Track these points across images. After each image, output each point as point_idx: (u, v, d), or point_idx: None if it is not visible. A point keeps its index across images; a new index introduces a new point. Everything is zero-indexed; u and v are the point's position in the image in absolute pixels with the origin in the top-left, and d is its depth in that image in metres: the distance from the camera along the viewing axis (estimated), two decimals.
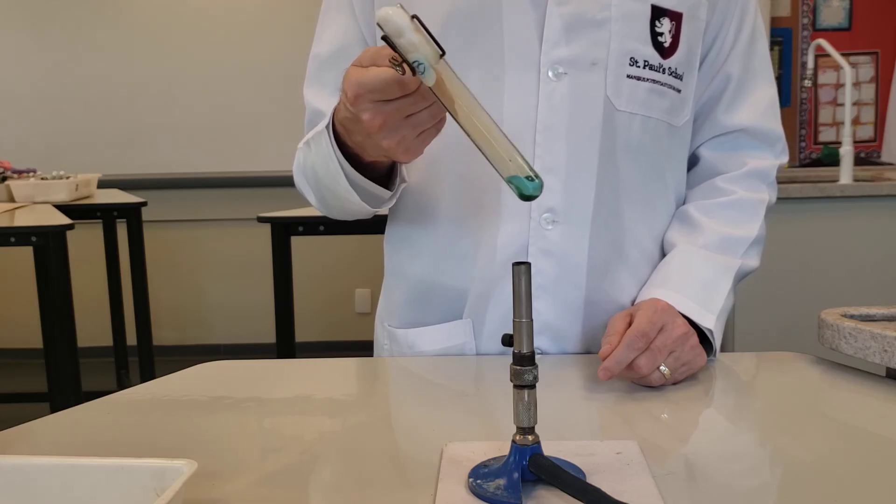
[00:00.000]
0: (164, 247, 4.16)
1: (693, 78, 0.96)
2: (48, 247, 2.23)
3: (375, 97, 0.71)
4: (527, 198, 0.65)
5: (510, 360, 0.59)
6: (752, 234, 0.98)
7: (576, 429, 0.75)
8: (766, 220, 1.01)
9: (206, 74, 4.11)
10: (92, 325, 3.43)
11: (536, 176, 0.65)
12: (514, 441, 0.60)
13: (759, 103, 1.00)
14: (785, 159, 1.04)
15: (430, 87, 0.66)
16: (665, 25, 0.91)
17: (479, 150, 0.65)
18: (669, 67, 0.93)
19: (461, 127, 0.66)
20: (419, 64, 0.64)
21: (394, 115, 0.72)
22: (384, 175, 0.91)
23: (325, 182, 0.91)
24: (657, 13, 0.91)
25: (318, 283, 4.08)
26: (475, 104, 0.65)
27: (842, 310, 0.89)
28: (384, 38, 0.65)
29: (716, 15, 0.96)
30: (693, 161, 1.03)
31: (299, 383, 0.90)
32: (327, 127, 0.86)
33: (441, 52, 0.65)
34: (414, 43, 0.64)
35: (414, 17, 0.64)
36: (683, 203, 1.02)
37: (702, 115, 1.01)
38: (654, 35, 0.91)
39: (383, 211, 1.00)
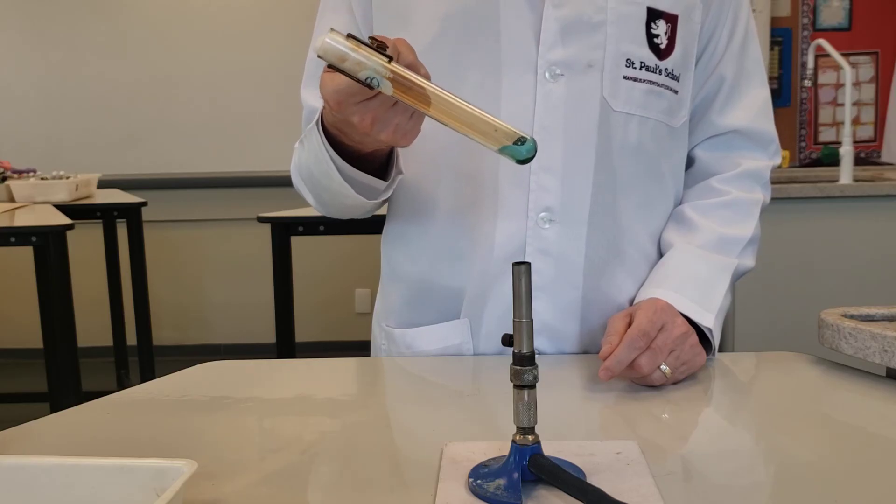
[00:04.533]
0: (164, 247, 4.16)
1: (689, 79, 0.97)
2: (48, 247, 2.23)
3: (356, 99, 0.71)
4: (524, 161, 0.65)
5: (509, 359, 0.59)
6: (748, 233, 0.99)
7: (576, 429, 0.75)
8: (765, 219, 1.02)
9: (205, 74, 4.11)
10: (92, 325, 3.43)
11: (526, 137, 0.65)
12: (514, 441, 0.60)
13: (752, 104, 1.01)
14: (778, 160, 1.05)
15: (393, 94, 0.66)
16: (661, 27, 0.92)
17: (462, 134, 0.66)
18: (666, 69, 0.93)
19: (436, 120, 0.66)
20: (372, 79, 0.65)
21: (381, 110, 0.72)
22: (381, 166, 0.91)
23: (318, 178, 0.91)
24: (653, 15, 0.91)
25: (318, 282, 4.08)
26: (441, 93, 0.65)
27: (842, 310, 0.89)
28: (330, 66, 0.65)
29: (709, 17, 0.97)
30: (688, 162, 1.04)
31: (299, 383, 0.90)
32: (316, 123, 0.86)
33: (388, 59, 0.65)
34: (359, 62, 0.65)
35: (349, 35, 0.65)
36: (680, 203, 1.03)
37: (696, 116, 1.01)
38: (650, 37, 0.92)
39: (381, 210, 1.00)
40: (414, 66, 0.71)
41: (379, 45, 0.67)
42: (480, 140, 0.66)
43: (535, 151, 0.66)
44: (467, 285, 0.96)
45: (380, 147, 0.85)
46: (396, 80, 0.66)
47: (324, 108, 0.83)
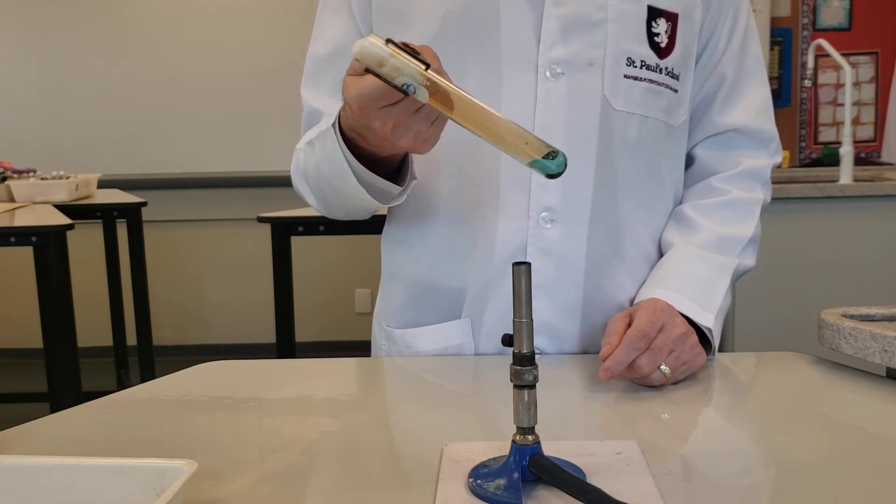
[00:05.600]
0: (164, 247, 4.16)
1: (689, 78, 0.97)
2: (48, 247, 2.23)
3: (379, 104, 0.71)
4: (553, 175, 0.65)
5: (509, 359, 0.59)
6: (748, 233, 0.99)
7: (576, 429, 0.75)
8: (766, 219, 1.02)
9: (206, 74, 4.11)
10: (92, 325, 3.42)
11: (556, 151, 0.65)
12: (514, 441, 0.60)
13: (752, 103, 1.01)
14: (779, 159, 1.05)
15: (429, 102, 0.66)
16: (661, 26, 0.92)
17: (492, 144, 0.65)
18: (666, 67, 0.93)
19: (466, 128, 0.66)
20: (408, 85, 0.65)
21: (403, 115, 0.72)
22: (394, 171, 0.90)
23: (329, 181, 0.90)
24: (653, 14, 0.91)
25: (318, 283, 4.08)
26: (474, 103, 0.65)
27: (842, 310, 0.89)
28: (367, 70, 0.65)
29: (709, 16, 0.97)
30: (688, 161, 1.04)
31: (299, 383, 0.90)
32: (333, 126, 0.85)
33: (425, 66, 0.65)
34: (397, 67, 0.64)
35: (388, 40, 0.64)
36: (680, 203, 1.02)
37: (696, 115, 1.01)
38: (651, 35, 0.92)
39: (381, 210, 1.00)
40: (441, 74, 0.71)
41: (412, 51, 0.67)
42: (511, 152, 0.65)
43: (565, 166, 0.65)
44: (468, 285, 0.96)
45: (396, 152, 0.84)
46: (432, 88, 0.65)
47: (341, 110, 0.83)
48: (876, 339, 0.81)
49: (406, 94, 0.66)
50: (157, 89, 4.12)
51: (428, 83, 0.65)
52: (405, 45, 0.66)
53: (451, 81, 0.67)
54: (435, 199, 0.97)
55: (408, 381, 0.93)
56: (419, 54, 0.66)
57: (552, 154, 0.65)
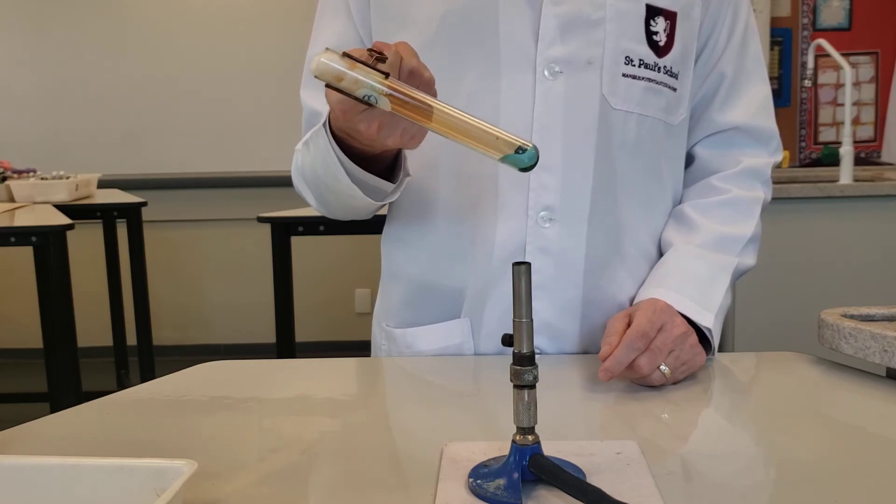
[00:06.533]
0: (164, 247, 4.16)
1: (688, 77, 0.97)
2: (48, 247, 2.23)
3: (361, 108, 0.72)
4: (526, 169, 0.66)
5: (509, 359, 0.59)
6: (748, 232, 0.99)
7: (576, 429, 0.75)
8: (766, 219, 1.02)
9: (206, 74, 4.11)
10: (92, 325, 3.42)
11: (527, 145, 0.65)
12: (514, 441, 0.60)
13: (752, 101, 1.01)
14: (779, 157, 1.05)
15: (391, 110, 0.67)
16: (660, 24, 0.92)
17: (462, 144, 0.66)
18: (665, 66, 0.93)
19: (436, 132, 0.67)
20: (369, 96, 0.66)
21: (386, 116, 0.73)
22: (388, 167, 0.91)
23: (324, 180, 0.91)
24: (652, 12, 0.91)
25: (318, 282, 4.08)
26: (440, 105, 0.66)
27: (842, 310, 0.89)
28: (327, 86, 0.66)
29: (709, 14, 0.97)
30: (688, 160, 1.04)
31: (299, 383, 0.90)
32: (324, 125, 0.86)
33: (385, 74, 0.66)
34: (356, 80, 0.66)
35: (344, 54, 0.65)
36: (680, 202, 1.02)
37: (696, 113, 1.01)
38: (649, 34, 0.92)
39: (382, 210, 1.00)
40: (417, 71, 0.71)
41: (378, 57, 0.67)
42: (482, 150, 0.66)
43: (537, 159, 0.66)
44: (467, 285, 0.96)
45: (388, 149, 0.85)
46: (394, 97, 0.66)
47: (330, 112, 0.83)
48: (876, 339, 0.81)
49: (369, 104, 0.67)
50: (157, 89, 4.12)
51: (388, 92, 0.66)
52: (372, 50, 0.67)
53: (428, 77, 0.68)
54: (434, 199, 0.97)
55: (408, 381, 0.93)
56: (384, 58, 0.67)
57: (522, 149, 0.65)
